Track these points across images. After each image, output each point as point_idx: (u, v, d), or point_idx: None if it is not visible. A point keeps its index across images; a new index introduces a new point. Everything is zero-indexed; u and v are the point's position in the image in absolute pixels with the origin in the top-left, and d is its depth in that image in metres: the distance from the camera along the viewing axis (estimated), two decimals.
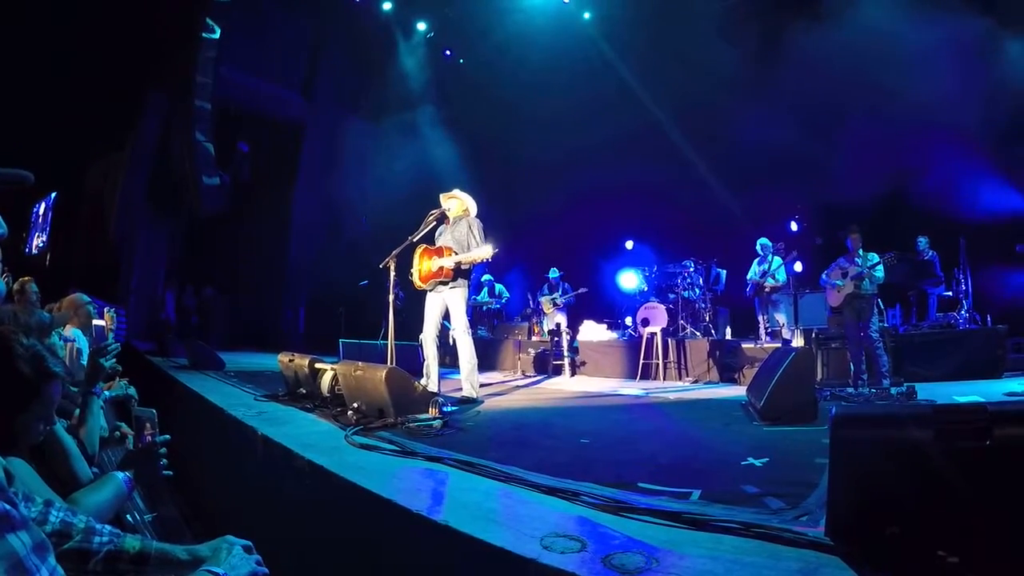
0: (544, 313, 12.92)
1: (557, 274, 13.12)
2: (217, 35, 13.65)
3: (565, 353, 10.61)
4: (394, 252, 6.74)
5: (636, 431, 4.95)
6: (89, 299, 5.91)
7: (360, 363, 5.15)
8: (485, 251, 6.37)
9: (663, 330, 9.97)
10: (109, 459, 3.06)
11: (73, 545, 1.57)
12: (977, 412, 1.73)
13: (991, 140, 10.34)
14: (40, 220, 18.35)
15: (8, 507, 1.12)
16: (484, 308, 14.25)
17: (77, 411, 3.02)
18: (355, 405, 4.81)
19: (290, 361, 6.28)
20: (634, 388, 8.53)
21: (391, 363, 6.25)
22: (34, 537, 1.14)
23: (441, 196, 6.92)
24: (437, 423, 4.48)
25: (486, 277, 14.23)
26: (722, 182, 13.75)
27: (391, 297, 6.95)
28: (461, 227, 6.65)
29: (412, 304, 8.17)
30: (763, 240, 10.65)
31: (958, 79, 9.92)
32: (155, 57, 13.76)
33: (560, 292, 12.83)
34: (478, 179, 12.33)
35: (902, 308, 10.58)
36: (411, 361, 7.00)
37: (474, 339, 6.91)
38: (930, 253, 10.43)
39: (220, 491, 4.79)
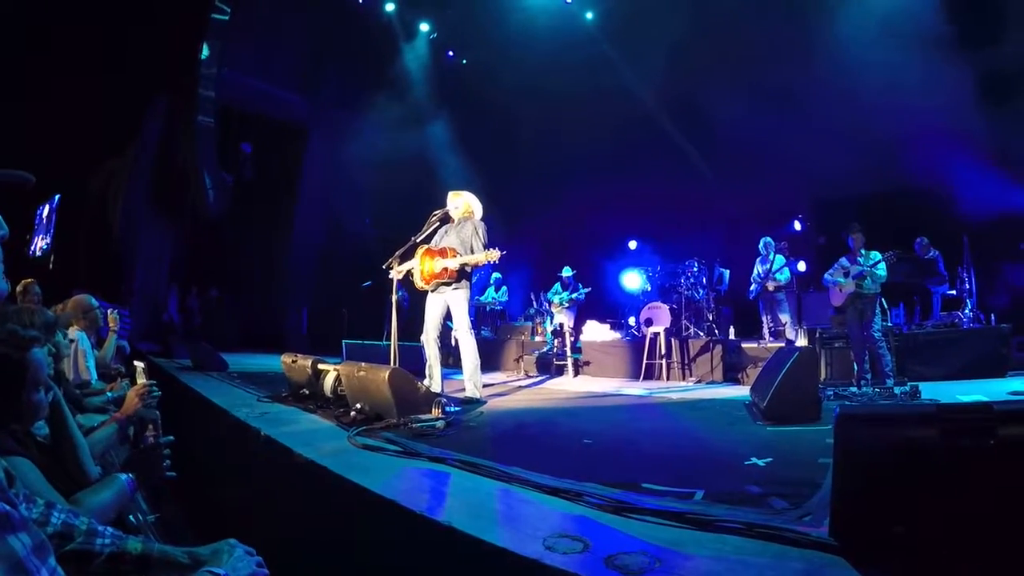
0: (552, 312, 12.84)
1: (571, 272, 12.88)
2: (227, 16, 13.60)
3: (568, 353, 10.60)
4: (397, 253, 6.73)
5: (639, 431, 4.94)
6: (97, 303, 5.92)
7: (363, 364, 5.15)
8: (492, 254, 6.35)
9: (666, 330, 9.96)
10: (112, 459, 3.06)
11: (75, 547, 1.57)
12: (982, 411, 1.72)
13: (994, 138, 10.32)
14: (44, 222, 18.36)
15: (8, 508, 1.12)
16: (488, 308, 14.24)
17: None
18: (358, 406, 4.80)
19: (293, 362, 6.28)
20: (637, 388, 8.52)
21: (394, 364, 6.25)
22: (34, 538, 1.14)
23: (450, 194, 6.90)
24: (440, 423, 4.47)
25: (496, 276, 14.22)
26: (725, 181, 13.74)
27: (395, 297, 6.94)
28: (467, 229, 6.63)
29: (415, 305, 8.18)
30: (766, 239, 10.63)
31: (960, 77, 9.92)
32: (158, 59, 13.75)
33: (570, 291, 12.71)
34: (480, 179, 12.35)
35: (906, 307, 10.53)
36: (414, 362, 7.00)
37: (478, 339, 6.90)
38: (932, 252, 10.38)
39: (223, 492, 4.79)
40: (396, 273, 6.85)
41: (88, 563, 1.57)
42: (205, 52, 13.54)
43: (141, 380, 3.35)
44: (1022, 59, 10.01)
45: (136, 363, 4.16)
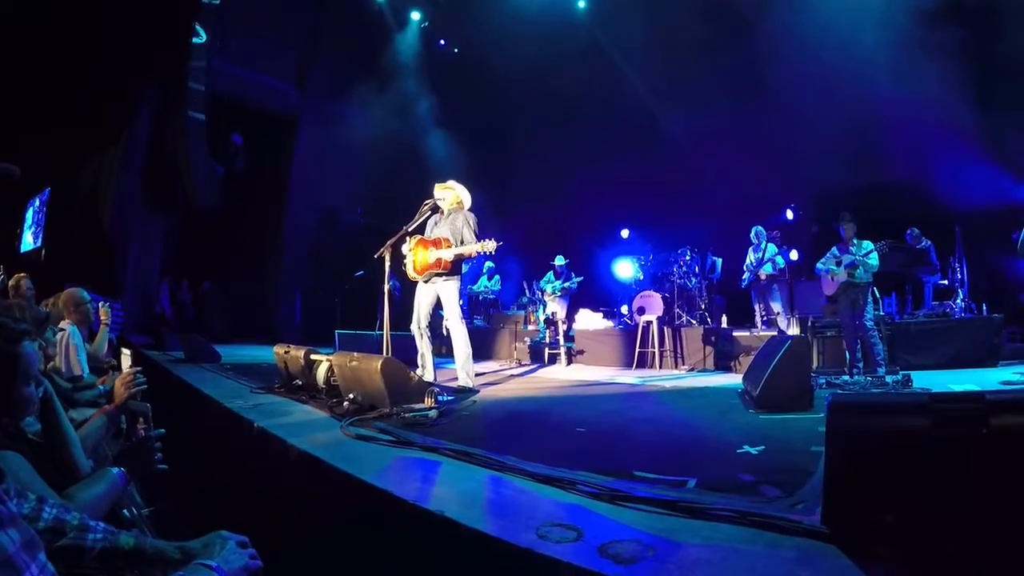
0: (545, 301, 12.80)
1: (563, 261, 12.83)
2: (204, 39, 13.55)
3: (561, 342, 10.61)
4: (389, 242, 6.70)
5: (632, 420, 4.94)
6: (89, 297, 5.89)
7: (355, 354, 5.14)
8: (488, 244, 6.32)
9: (659, 318, 9.97)
10: (104, 452, 3.04)
11: (66, 542, 1.56)
12: (975, 400, 1.72)
13: (986, 128, 10.34)
14: (35, 217, 18.23)
15: None
16: (481, 297, 14.21)
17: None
18: (351, 396, 4.80)
19: (286, 353, 6.27)
20: (630, 377, 8.54)
21: (387, 353, 6.24)
22: (24, 534, 1.13)
23: (436, 186, 6.86)
24: (433, 413, 4.47)
25: (488, 265, 14.18)
26: (718, 170, 13.72)
27: (387, 287, 6.92)
28: (458, 220, 6.60)
29: (407, 294, 8.17)
30: (758, 227, 10.63)
31: (954, 68, 9.93)
32: (148, 53, 13.62)
33: (563, 280, 12.66)
34: (472, 168, 12.29)
35: (898, 297, 10.55)
36: (407, 351, 6.98)
37: (470, 328, 6.89)
38: (924, 241, 10.41)
39: (216, 484, 4.78)
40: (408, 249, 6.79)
41: (80, 559, 1.56)
42: (198, 38, 13.45)
43: (127, 367, 3.33)
44: (1015, 50, 10.00)
45: (123, 350, 4.15)
